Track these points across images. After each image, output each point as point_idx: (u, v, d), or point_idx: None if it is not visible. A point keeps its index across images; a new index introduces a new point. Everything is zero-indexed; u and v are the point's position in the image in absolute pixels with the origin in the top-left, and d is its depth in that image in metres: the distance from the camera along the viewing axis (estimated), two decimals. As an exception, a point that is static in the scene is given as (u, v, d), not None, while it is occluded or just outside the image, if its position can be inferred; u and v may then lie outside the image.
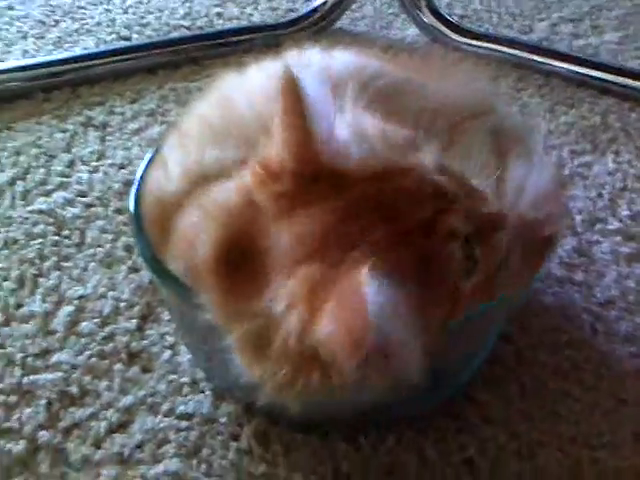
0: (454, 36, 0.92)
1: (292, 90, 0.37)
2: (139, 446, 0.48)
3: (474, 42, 0.90)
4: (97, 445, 0.48)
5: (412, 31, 0.98)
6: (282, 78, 0.37)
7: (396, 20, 1.01)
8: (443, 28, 0.92)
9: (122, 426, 0.49)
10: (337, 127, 0.39)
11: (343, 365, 0.32)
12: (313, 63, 0.51)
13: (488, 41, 0.91)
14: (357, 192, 0.38)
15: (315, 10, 0.96)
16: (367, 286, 0.32)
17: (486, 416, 0.50)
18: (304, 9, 0.97)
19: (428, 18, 0.93)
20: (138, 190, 0.50)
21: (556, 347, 0.55)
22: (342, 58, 0.52)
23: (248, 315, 0.37)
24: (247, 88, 0.49)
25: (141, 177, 0.51)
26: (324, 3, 0.95)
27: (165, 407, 0.50)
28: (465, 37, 0.91)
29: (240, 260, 0.38)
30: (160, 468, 0.47)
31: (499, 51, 0.89)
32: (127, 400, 0.51)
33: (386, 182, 0.38)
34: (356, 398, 0.41)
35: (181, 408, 0.50)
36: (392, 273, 0.34)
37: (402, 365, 0.33)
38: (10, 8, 1.04)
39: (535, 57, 0.87)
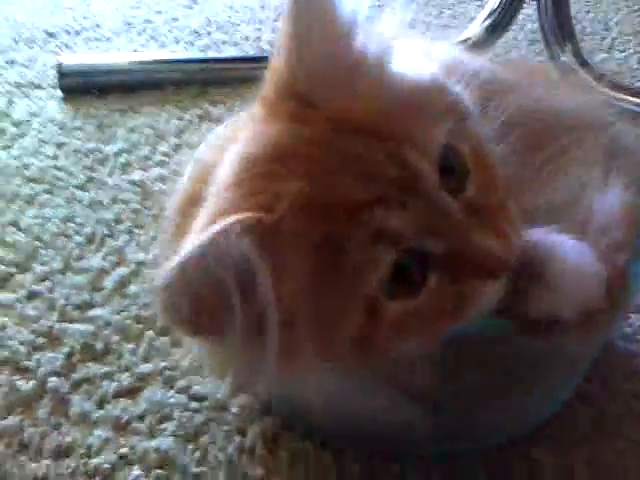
0: (597, 85, 0.82)
1: None
2: (141, 416, 0.44)
3: (618, 94, 0.81)
4: (100, 405, 0.45)
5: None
6: None
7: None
8: (586, 76, 0.84)
9: (131, 392, 0.46)
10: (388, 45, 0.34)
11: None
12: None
13: (635, 95, 0.81)
14: (316, 130, 0.30)
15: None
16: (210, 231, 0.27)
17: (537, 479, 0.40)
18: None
19: (572, 64, 0.86)
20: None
21: (649, 422, 0.44)
22: (472, 57, 0.48)
23: None
24: None
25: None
26: (466, 40, 0.91)
27: (181, 383, 0.46)
28: (609, 88, 0.82)
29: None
30: (152, 443, 0.42)
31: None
32: (146, 368, 0.48)
33: (355, 136, 0.30)
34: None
35: (196, 388, 0.46)
36: (280, 240, 0.29)
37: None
38: (175, 19, 1.11)
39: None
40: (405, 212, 0.30)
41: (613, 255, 0.34)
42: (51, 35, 1.02)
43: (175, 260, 0.27)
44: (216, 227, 0.28)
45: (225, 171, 0.32)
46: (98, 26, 1.06)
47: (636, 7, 1.14)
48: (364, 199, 0.29)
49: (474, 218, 0.31)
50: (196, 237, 0.28)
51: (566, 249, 0.33)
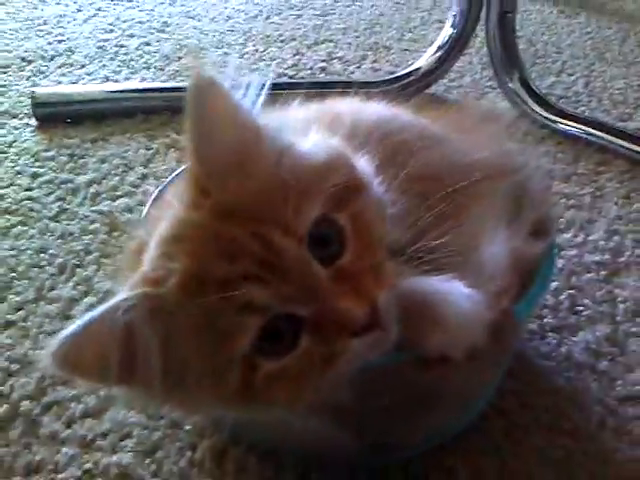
0: (541, 111, 0.89)
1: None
2: (104, 434, 0.50)
3: (560, 120, 0.87)
4: (68, 425, 0.51)
5: (504, 104, 0.96)
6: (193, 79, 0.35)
7: (490, 92, 1.00)
8: (531, 102, 0.90)
9: (97, 412, 0.51)
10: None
11: None
12: (342, 110, 0.50)
13: (575, 121, 0.87)
14: (202, 216, 0.36)
15: (409, 74, 0.98)
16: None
17: (449, 487, 0.46)
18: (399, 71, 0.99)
19: (518, 91, 0.92)
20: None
21: (553, 433, 0.50)
22: (372, 109, 0.51)
23: None
24: None
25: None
26: (418, 69, 0.97)
27: (141, 404, 0.52)
28: (552, 114, 0.88)
29: None
30: (114, 459, 0.48)
31: (585, 132, 0.85)
32: (111, 390, 0.53)
33: (230, 220, 0.35)
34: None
35: (154, 408, 0.52)
36: (168, 310, 0.35)
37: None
38: (147, 44, 1.15)
39: (622, 142, 0.82)
40: (269, 285, 0.34)
41: (499, 300, 0.40)
42: (26, 61, 1.07)
43: (71, 329, 0.34)
44: (112, 302, 0.35)
45: (150, 246, 0.38)
46: (72, 51, 1.11)
47: (589, 29, 1.20)
48: (231, 276, 0.34)
49: (340, 284, 0.36)
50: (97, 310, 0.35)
51: (459, 296, 0.38)
